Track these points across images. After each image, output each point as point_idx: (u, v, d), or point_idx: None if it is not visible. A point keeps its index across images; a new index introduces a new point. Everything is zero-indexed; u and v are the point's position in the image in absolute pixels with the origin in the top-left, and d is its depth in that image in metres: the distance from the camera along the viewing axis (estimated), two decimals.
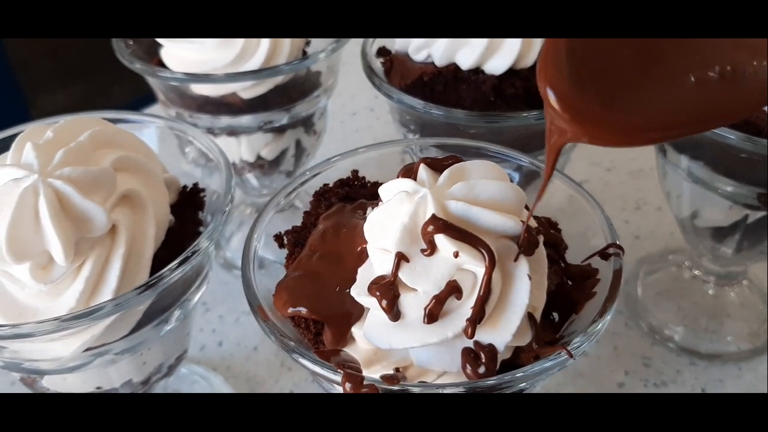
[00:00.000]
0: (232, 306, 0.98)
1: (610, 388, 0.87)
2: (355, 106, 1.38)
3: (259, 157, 0.92)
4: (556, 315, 0.59)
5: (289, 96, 0.87)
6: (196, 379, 0.87)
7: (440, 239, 0.50)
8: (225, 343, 0.94)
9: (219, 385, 0.87)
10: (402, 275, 0.51)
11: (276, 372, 0.90)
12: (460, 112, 0.76)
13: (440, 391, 0.49)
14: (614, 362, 0.90)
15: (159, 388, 0.72)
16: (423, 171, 0.55)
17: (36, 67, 2.56)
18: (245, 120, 0.87)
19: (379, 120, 1.35)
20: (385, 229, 0.53)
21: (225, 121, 0.87)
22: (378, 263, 0.54)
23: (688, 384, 0.87)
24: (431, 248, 0.51)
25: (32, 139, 0.59)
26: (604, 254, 0.58)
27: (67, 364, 0.61)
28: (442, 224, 0.50)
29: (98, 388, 0.66)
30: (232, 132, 0.88)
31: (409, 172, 0.56)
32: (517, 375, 0.49)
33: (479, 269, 0.50)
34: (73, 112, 0.71)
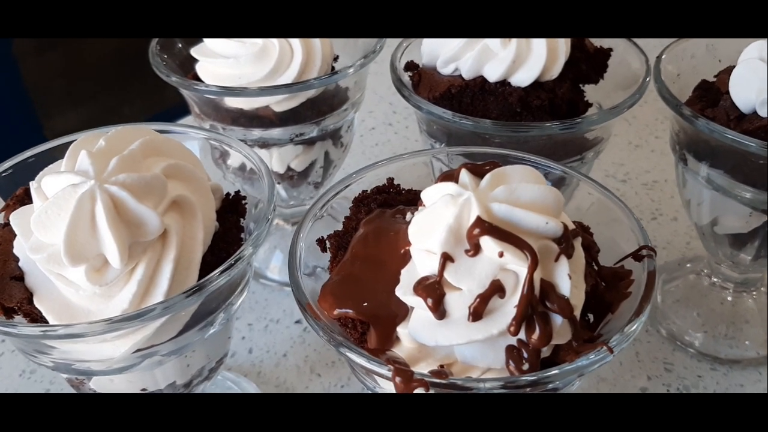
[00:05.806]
0: (261, 314, 1.00)
1: (633, 392, 0.89)
2: (373, 122, 1.41)
3: (289, 169, 0.94)
4: (591, 316, 0.61)
5: (319, 110, 0.89)
6: (229, 385, 0.89)
7: (485, 241, 0.52)
8: (255, 350, 0.95)
9: (251, 391, 0.88)
10: (447, 275, 0.53)
11: (306, 378, 0.91)
12: (488, 122, 0.78)
13: (479, 385, 0.51)
14: (636, 367, 0.92)
15: (198, 392, 0.74)
16: (465, 175, 0.57)
17: (48, 89, 2.59)
18: (277, 132, 0.89)
19: (397, 134, 1.38)
20: (429, 231, 0.55)
21: (257, 133, 0.89)
22: (422, 264, 0.56)
23: (710, 388, 0.89)
24: (475, 249, 0.53)
25: (85, 147, 0.62)
26: (637, 256, 0.61)
27: (116, 365, 0.62)
28: (487, 227, 0.52)
29: (143, 389, 0.68)
30: (264, 144, 0.90)
31: (450, 177, 0.58)
32: (559, 371, 0.51)
33: (522, 269, 0.52)
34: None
